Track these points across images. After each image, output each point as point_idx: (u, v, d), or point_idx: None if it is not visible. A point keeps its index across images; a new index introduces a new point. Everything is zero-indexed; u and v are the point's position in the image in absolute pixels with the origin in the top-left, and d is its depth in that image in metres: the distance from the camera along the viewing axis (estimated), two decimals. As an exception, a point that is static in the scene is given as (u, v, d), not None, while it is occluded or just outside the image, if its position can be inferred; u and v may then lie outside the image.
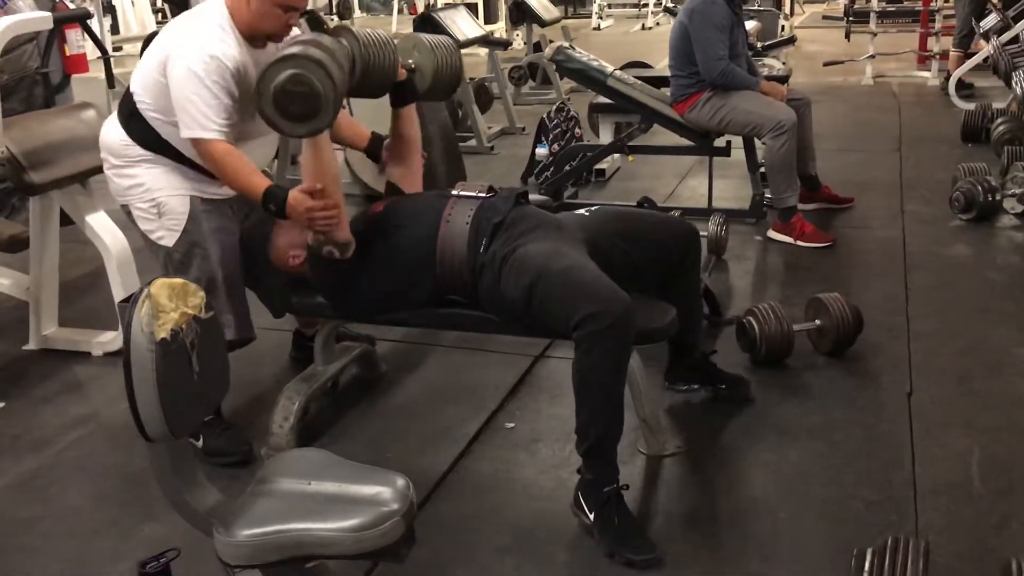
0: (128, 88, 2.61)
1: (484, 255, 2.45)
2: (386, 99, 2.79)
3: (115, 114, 2.69)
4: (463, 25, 6.52)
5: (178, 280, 1.73)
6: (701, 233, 4.06)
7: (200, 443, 2.72)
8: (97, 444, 2.82)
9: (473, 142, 6.40)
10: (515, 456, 2.70)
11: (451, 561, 2.25)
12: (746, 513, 2.40)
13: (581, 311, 2.21)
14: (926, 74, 8.32)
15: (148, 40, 5.70)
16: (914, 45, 8.85)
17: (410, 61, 2.80)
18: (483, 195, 2.60)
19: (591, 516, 2.27)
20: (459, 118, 6.48)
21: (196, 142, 2.46)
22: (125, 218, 2.75)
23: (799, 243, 4.27)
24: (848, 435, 2.72)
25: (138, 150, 2.61)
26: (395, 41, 2.71)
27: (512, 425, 2.85)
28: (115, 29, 11.09)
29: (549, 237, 2.47)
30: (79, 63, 5.25)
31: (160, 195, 2.61)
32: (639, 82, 4.63)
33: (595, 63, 4.62)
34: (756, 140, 4.49)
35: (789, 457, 2.63)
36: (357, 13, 14.80)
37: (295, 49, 2.29)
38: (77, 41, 5.14)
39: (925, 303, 3.62)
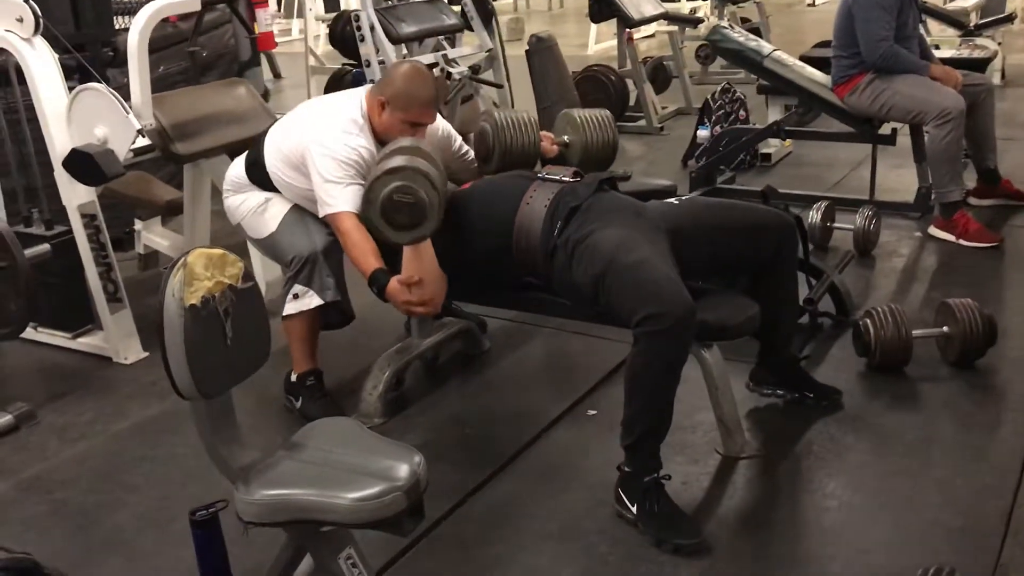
0: (263, 139, 2.86)
1: (557, 238, 2.45)
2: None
3: (244, 155, 2.97)
4: (642, 3, 6.41)
5: (217, 250, 1.85)
6: (847, 227, 3.90)
7: (299, 404, 2.90)
8: (213, 397, 3.05)
9: (643, 122, 6.31)
10: (588, 444, 2.68)
11: (494, 540, 2.28)
12: (805, 525, 2.28)
13: (643, 309, 2.18)
14: None
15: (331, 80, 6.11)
16: None
17: (564, 138, 2.94)
18: (567, 179, 2.59)
19: (633, 508, 2.25)
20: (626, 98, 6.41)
21: (332, 216, 2.64)
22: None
23: (961, 242, 3.93)
24: (950, 454, 2.51)
25: (251, 186, 2.91)
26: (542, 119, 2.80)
27: (594, 412, 2.83)
28: (335, 5, 11.75)
29: (625, 224, 2.42)
30: (267, 40, 5.64)
31: (266, 195, 2.89)
32: (799, 63, 4.39)
33: (752, 43, 4.43)
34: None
35: (875, 472, 2.46)
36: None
37: (400, 160, 2.37)
38: (266, 20, 5.52)
39: (1089, 317, 3.24)
